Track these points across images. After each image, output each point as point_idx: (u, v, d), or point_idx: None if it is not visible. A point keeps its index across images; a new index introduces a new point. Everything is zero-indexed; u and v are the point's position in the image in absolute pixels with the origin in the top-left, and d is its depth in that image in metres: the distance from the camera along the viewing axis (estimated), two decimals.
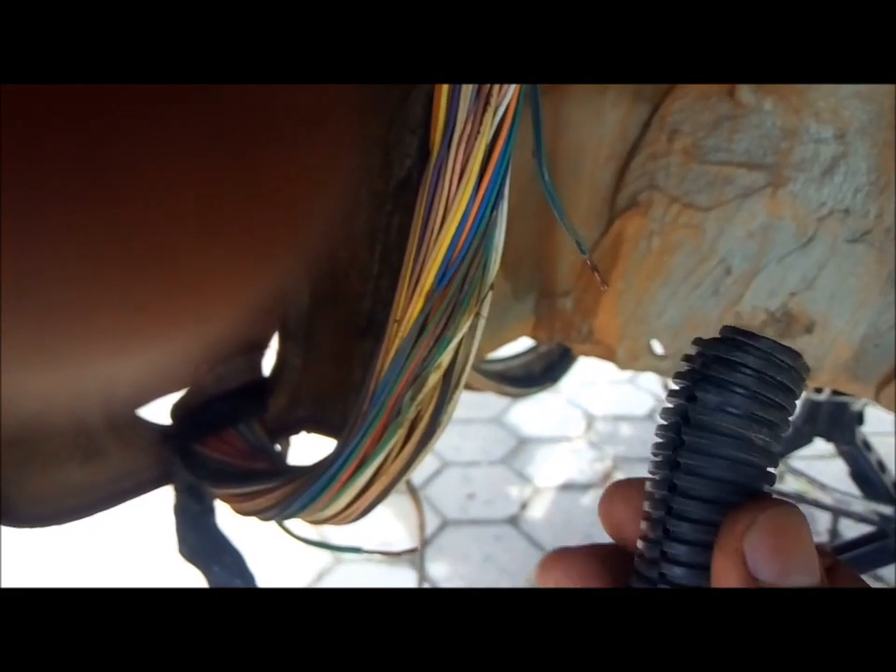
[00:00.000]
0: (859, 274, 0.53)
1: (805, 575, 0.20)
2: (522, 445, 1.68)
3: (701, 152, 0.53)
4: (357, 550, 0.40)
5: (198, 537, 0.41)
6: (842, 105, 0.49)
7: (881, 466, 1.16)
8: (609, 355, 0.62)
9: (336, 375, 0.45)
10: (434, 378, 0.33)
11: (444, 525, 1.49)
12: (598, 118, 0.54)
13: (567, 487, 1.53)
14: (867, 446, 1.15)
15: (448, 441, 1.73)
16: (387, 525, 1.44)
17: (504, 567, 1.40)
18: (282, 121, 0.13)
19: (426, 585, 1.33)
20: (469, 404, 1.77)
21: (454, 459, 1.66)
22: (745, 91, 0.51)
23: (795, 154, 0.51)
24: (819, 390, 1.07)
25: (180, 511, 0.41)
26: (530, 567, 1.40)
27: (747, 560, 0.20)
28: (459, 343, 0.33)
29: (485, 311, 0.34)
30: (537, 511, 1.53)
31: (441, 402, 0.34)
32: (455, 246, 0.31)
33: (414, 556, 1.07)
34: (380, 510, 1.39)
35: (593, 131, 0.55)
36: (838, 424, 1.09)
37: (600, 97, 0.54)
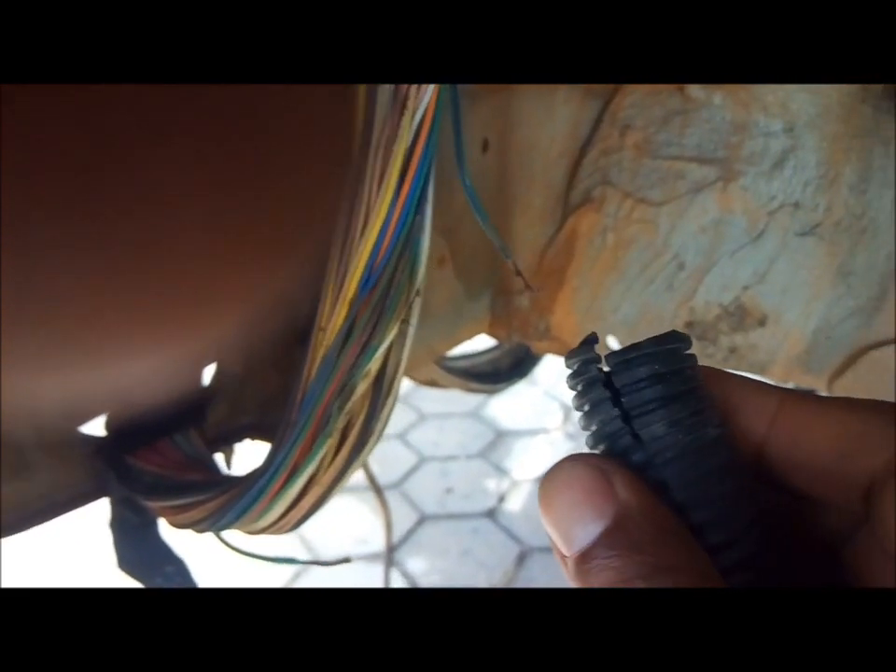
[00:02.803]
0: (810, 267, 0.53)
1: (586, 530, 0.19)
2: (499, 438, 1.68)
3: (653, 147, 0.53)
4: (291, 561, 0.39)
5: (138, 549, 0.40)
6: (790, 99, 0.49)
7: None
8: (566, 351, 0.61)
9: (278, 381, 0.44)
10: (363, 386, 0.33)
11: (422, 520, 1.49)
12: (549, 114, 0.54)
13: None
14: None
15: (426, 436, 1.72)
16: (365, 521, 1.44)
17: (482, 560, 1.41)
18: (281, 127, 0.13)
19: (395, 585, 1.33)
20: (446, 399, 1.76)
21: (432, 454, 1.66)
22: (694, 87, 0.50)
23: (745, 148, 0.51)
24: None
25: (117, 524, 0.40)
26: (508, 560, 1.40)
27: (551, 539, 0.19)
28: (388, 351, 0.33)
29: (414, 317, 0.33)
30: (514, 504, 1.53)
31: (373, 411, 0.34)
32: (377, 252, 0.31)
33: (391, 555, 1.06)
34: (357, 506, 1.38)
35: (544, 128, 0.54)
36: None
37: (551, 94, 0.53)
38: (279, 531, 0.38)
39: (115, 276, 0.12)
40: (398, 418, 1.80)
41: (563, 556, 0.19)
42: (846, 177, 0.50)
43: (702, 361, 0.38)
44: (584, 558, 0.19)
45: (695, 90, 0.51)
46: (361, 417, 0.34)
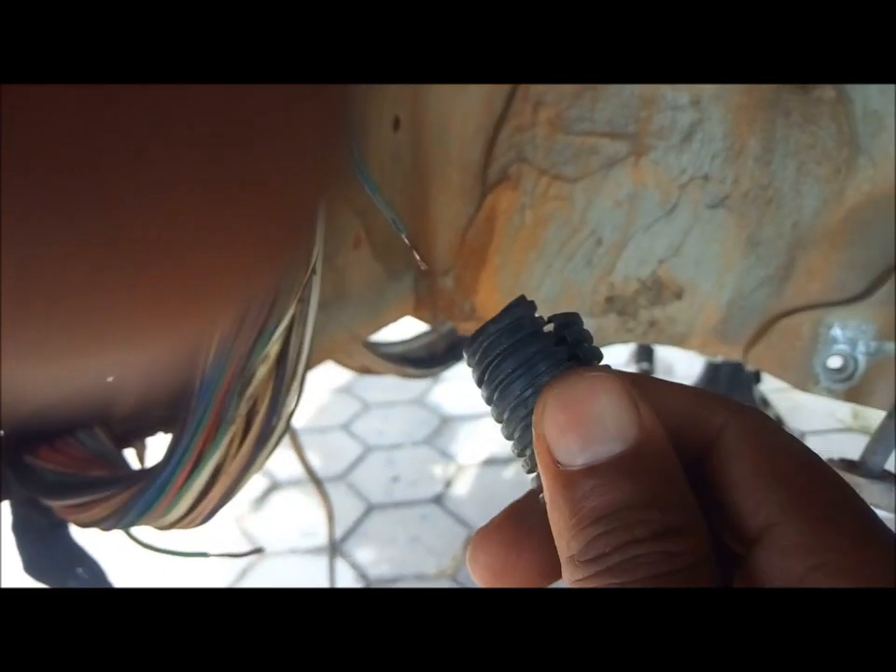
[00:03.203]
0: (721, 239, 0.54)
1: (606, 444, 0.18)
2: (444, 424, 1.68)
3: (565, 123, 0.53)
4: (203, 554, 0.38)
5: (46, 552, 0.38)
6: None
7: (779, 420, 1.21)
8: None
9: (190, 368, 0.43)
10: (263, 370, 0.32)
11: (369, 510, 1.48)
12: (461, 90, 0.53)
13: (490, 462, 1.55)
14: (765, 402, 1.20)
15: (370, 425, 1.71)
16: (311, 514, 1.43)
17: (431, 546, 1.41)
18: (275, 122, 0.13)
19: (343, 576, 1.32)
20: (390, 387, 1.76)
21: (377, 443, 1.65)
22: None
23: (654, 122, 0.52)
24: None
25: (22, 527, 0.38)
26: (456, 544, 1.41)
27: (548, 445, 0.18)
28: (288, 332, 0.32)
29: (313, 297, 0.32)
30: (461, 489, 1.54)
31: (277, 395, 0.33)
32: None
33: (334, 548, 1.06)
34: (303, 499, 1.36)
35: (456, 104, 0.53)
36: (737, 383, 1.13)
37: None
38: (191, 525, 0.36)
39: (114, 268, 0.12)
40: (341, 409, 1.79)
41: (555, 467, 0.18)
42: (751, 149, 0.51)
43: (623, 336, 0.40)
44: (592, 473, 0.18)
45: None
46: (265, 402, 0.33)
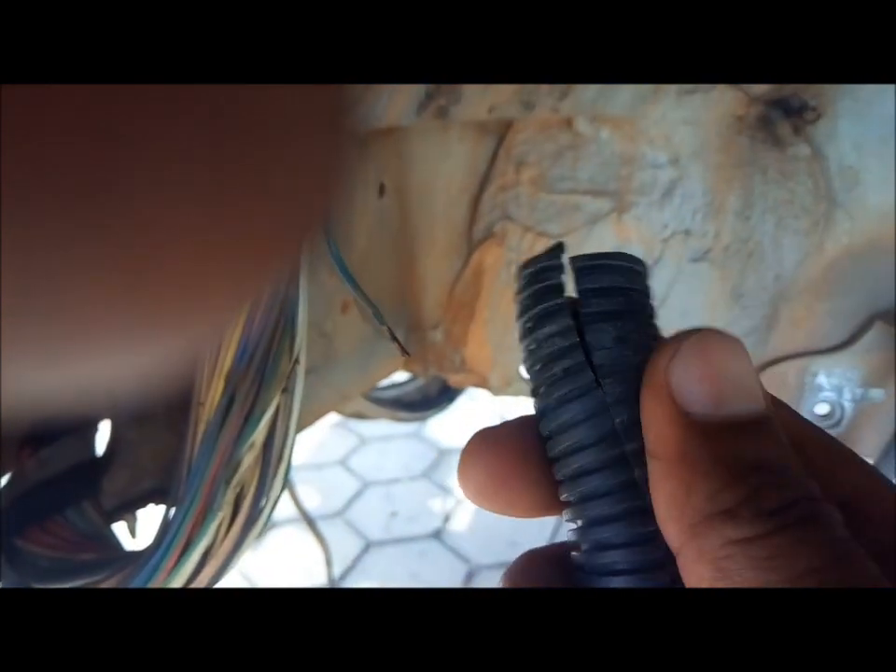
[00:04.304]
0: (705, 291, 0.54)
1: (744, 401, 0.17)
2: (442, 457, 1.68)
3: (548, 182, 0.54)
4: None
5: None
6: (672, 132, 0.51)
7: None
8: (482, 382, 0.62)
9: (179, 444, 0.43)
10: (249, 458, 0.32)
11: (368, 547, 1.47)
12: (445, 153, 0.54)
13: None
14: None
15: (368, 460, 1.71)
16: (309, 552, 1.42)
17: (431, 583, 1.40)
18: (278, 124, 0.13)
19: None
20: (386, 422, 1.76)
21: (374, 479, 1.65)
22: (581, 121, 0.51)
23: (635, 179, 0.52)
24: None
25: None
26: (456, 580, 1.40)
27: (674, 393, 0.18)
28: (273, 420, 0.32)
29: (297, 385, 0.33)
30: (460, 523, 1.53)
31: (264, 480, 0.33)
32: (251, 323, 0.30)
33: (337, 585, 1.05)
34: (301, 537, 1.35)
35: (441, 166, 0.54)
36: None
37: (444, 133, 0.54)
38: None
39: (116, 269, 0.12)
40: (338, 444, 1.78)
41: (684, 416, 0.17)
42: (731, 204, 0.52)
43: None
44: (737, 427, 0.17)
45: (583, 125, 0.52)
46: (252, 488, 0.33)
